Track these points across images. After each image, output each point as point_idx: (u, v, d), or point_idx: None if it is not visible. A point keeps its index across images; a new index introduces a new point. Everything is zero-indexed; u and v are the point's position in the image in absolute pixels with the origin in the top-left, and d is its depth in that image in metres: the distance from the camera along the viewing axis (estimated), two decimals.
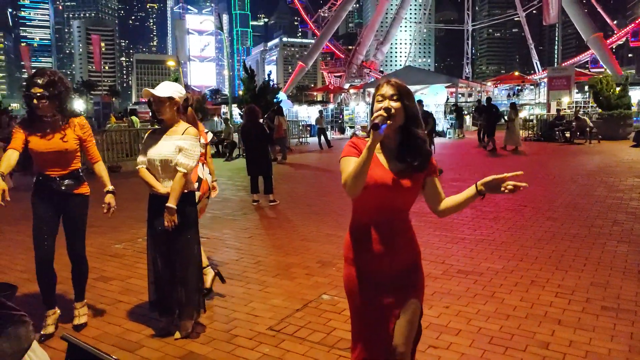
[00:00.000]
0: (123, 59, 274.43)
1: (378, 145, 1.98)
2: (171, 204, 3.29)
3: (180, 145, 3.34)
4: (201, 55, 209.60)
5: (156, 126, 3.55)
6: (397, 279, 2.05)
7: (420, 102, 14.05)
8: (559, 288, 4.21)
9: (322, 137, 20.47)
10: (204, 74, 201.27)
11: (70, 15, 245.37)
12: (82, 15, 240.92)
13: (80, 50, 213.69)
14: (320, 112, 24.25)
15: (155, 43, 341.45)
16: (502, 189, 1.89)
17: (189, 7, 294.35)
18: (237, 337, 3.48)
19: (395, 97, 1.97)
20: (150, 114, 3.57)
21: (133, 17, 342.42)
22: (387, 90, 2.00)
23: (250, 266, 5.09)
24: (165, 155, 3.34)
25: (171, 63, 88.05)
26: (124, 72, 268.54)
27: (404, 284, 2.06)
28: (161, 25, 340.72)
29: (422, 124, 2.07)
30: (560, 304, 3.87)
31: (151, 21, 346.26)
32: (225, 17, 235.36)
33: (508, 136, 17.03)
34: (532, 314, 3.72)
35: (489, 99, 20.15)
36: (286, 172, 13.41)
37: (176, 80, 22.64)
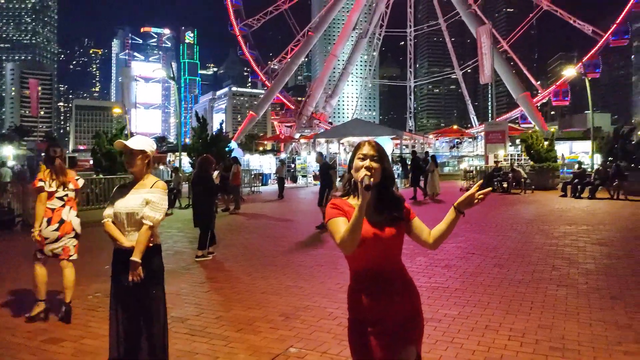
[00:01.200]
0: (61, 104, 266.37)
1: (353, 202, 2.22)
2: (136, 257, 3.23)
3: (148, 198, 3.35)
4: (146, 102, 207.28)
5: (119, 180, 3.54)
6: (398, 326, 2.17)
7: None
8: (511, 331, 4.52)
9: (282, 187, 20.86)
10: (149, 121, 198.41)
11: (3, 58, 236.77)
12: (16, 57, 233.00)
13: (13, 93, 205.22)
14: (282, 161, 24.36)
15: (97, 89, 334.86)
16: (475, 201, 2.20)
17: (135, 54, 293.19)
18: None
19: (375, 158, 2.22)
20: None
21: (74, 62, 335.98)
22: (368, 150, 2.23)
23: (211, 321, 5.00)
24: (132, 208, 3.32)
25: (117, 110, 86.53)
26: (62, 117, 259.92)
27: (404, 331, 2.19)
28: (105, 71, 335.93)
29: (395, 182, 2.34)
30: (513, 347, 4.16)
31: (94, 66, 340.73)
32: (173, 65, 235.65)
33: (429, 185, 18.46)
34: (489, 357, 3.97)
35: (426, 152, 21.42)
36: (241, 222, 13.38)
37: (123, 128, 22.35)
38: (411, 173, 18.84)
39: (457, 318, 4.94)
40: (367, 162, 2.20)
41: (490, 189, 2.23)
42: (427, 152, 30.39)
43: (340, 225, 2.12)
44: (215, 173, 9.18)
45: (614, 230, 10.42)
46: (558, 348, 4.11)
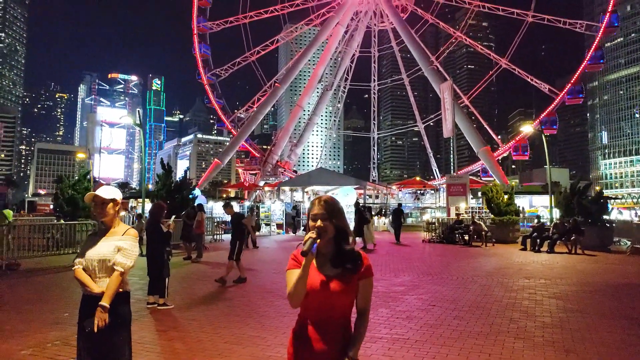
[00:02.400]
0: (23, 147, 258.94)
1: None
2: (105, 302, 3.26)
3: (120, 245, 3.43)
4: (111, 147, 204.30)
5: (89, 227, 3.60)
6: None
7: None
8: None
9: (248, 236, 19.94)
10: (112, 167, 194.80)
11: None
12: None
13: None
14: (251, 209, 24.01)
15: (61, 133, 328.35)
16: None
17: (101, 99, 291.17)
18: None
19: (325, 217, 2.39)
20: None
21: (39, 105, 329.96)
22: (318, 210, 2.42)
23: None
24: (104, 254, 3.38)
25: (81, 155, 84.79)
26: (22, 161, 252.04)
27: None
28: (69, 116, 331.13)
29: (349, 234, 2.47)
30: None
31: (59, 111, 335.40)
32: (139, 111, 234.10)
33: (366, 235, 18.95)
34: None
35: (399, 204, 21.85)
36: (204, 271, 13.16)
37: (87, 174, 21.93)
38: (355, 223, 19.03)
39: None
40: (318, 222, 2.36)
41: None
42: (400, 204, 31.06)
43: (292, 279, 2.31)
44: (172, 219, 8.98)
45: (570, 284, 10.78)
46: None
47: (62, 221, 17.08)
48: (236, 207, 32.59)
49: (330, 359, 2.32)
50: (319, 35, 62.87)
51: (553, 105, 55.13)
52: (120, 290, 3.41)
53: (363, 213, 19.23)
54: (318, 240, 2.31)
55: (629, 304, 8.65)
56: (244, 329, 6.66)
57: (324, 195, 2.57)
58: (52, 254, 14.55)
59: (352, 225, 24.90)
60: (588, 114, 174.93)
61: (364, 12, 61.45)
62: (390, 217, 26.50)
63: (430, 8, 60.98)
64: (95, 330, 3.24)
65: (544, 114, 56.41)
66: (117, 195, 3.58)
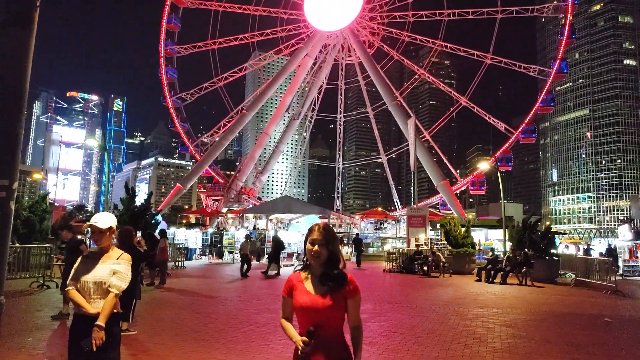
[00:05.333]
0: None
1: (306, 275, 2.78)
2: (101, 322, 3.52)
3: (115, 268, 3.72)
4: (66, 168, 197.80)
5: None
6: None
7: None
8: None
9: (245, 265, 19.31)
10: (68, 188, 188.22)
11: None
12: None
13: None
14: (248, 236, 23.80)
15: None
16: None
17: (58, 117, 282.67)
18: None
19: (322, 242, 2.79)
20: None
21: None
22: (316, 236, 2.81)
23: None
24: (100, 277, 3.65)
25: (37, 175, 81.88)
26: None
27: None
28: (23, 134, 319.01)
29: (339, 259, 2.86)
30: None
31: None
32: (98, 132, 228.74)
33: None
34: None
35: (357, 234, 22.44)
36: (168, 297, 13.14)
37: (45, 195, 21.51)
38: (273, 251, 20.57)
39: None
40: (315, 247, 2.77)
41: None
42: (357, 234, 31.77)
43: (285, 307, 2.80)
44: (138, 235, 8.92)
45: (520, 313, 11.46)
46: None
47: (17, 244, 16.51)
48: (198, 233, 32.30)
49: None
50: (288, 65, 64.02)
51: (508, 143, 57.63)
52: (115, 311, 3.68)
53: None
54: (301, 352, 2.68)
55: (572, 331, 9.34)
56: (213, 353, 6.86)
57: (322, 223, 2.97)
58: (5, 278, 14.15)
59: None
60: (540, 153, 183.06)
61: (332, 45, 63.17)
62: (353, 246, 27.97)
63: (396, 45, 63.24)
64: (94, 349, 3.47)
65: (500, 151, 58.80)
66: (113, 222, 3.88)
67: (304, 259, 2.88)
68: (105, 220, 3.84)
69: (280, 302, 2.79)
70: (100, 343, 3.50)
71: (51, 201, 64.69)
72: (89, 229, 3.82)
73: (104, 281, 3.66)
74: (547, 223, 51.65)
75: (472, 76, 61.64)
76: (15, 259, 15.32)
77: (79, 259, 3.90)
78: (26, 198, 21.13)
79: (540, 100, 55.82)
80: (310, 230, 2.86)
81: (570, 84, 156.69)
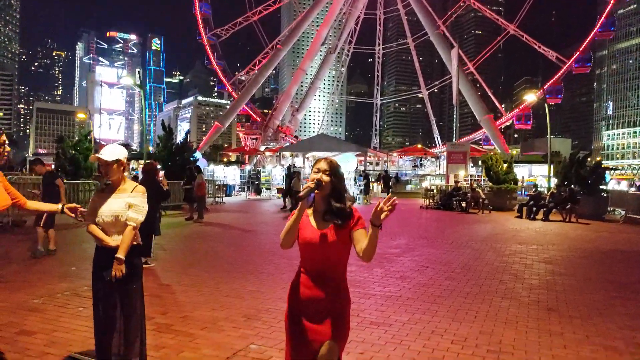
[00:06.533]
0: (21, 106, 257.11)
1: (311, 211, 2.60)
2: (121, 254, 3.53)
3: (131, 202, 3.65)
4: (110, 108, 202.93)
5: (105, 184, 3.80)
6: (321, 322, 2.53)
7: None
8: (454, 336, 4.93)
9: (287, 199, 20.95)
10: (113, 128, 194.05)
11: None
12: None
13: None
14: (297, 174, 24.13)
15: (59, 92, 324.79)
16: (383, 214, 2.39)
17: (100, 58, 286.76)
18: None
19: (327, 173, 2.59)
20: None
21: (36, 64, 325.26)
22: (322, 165, 2.64)
23: (177, 320, 5.27)
24: (117, 211, 3.61)
25: (81, 115, 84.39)
26: (22, 120, 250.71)
27: (327, 328, 2.52)
28: (68, 75, 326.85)
29: (343, 196, 2.64)
30: (455, 349, 4.57)
31: (57, 69, 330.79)
32: (139, 72, 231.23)
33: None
34: (432, 357, 4.36)
35: (385, 171, 22.25)
36: (205, 231, 13.50)
37: (88, 134, 22.04)
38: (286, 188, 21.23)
39: (407, 323, 5.32)
40: (319, 175, 2.57)
41: (395, 198, 2.42)
42: (386, 171, 31.60)
43: (287, 224, 2.61)
44: (161, 174, 9.05)
45: (561, 250, 11.10)
46: (495, 351, 4.54)
47: (64, 181, 17.36)
48: (237, 171, 32.83)
49: (324, 306, 2.54)
50: None
51: (559, 73, 54.48)
52: (134, 243, 3.68)
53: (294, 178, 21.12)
54: (316, 191, 2.53)
55: (616, 269, 8.96)
56: (244, 285, 6.98)
57: (329, 157, 2.78)
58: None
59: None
60: (595, 84, 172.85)
61: None
62: (382, 183, 29.22)
63: None
64: (114, 280, 3.53)
65: (550, 82, 55.79)
66: (121, 155, 3.71)
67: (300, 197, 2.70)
68: (111, 152, 3.69)
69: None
70: (121, 274, 3.54)
71: (97, 140, 67.02)
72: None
73: (120, 215, 3.62)
74: (598, 158, 49.35)
75: (522, 2, 57.59)
76: (65, 194, 16.10)
77: (93, 193, 3.85)
78: (76, 138, 21.77)
79: (599, 25, 51.72)
80: (317, 161, 2.71)
81: (635, 6, 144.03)
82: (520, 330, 5.19)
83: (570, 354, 4.57)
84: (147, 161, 8.64)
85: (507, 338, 4.92)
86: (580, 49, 53.54)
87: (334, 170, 2.62)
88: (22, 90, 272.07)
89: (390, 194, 25.64)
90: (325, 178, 2.58)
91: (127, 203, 3.64)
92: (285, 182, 21.81)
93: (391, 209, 2.40)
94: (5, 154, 3.43)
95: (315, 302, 2.54)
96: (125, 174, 3.87)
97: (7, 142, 3.47)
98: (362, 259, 2.54)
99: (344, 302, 2.63)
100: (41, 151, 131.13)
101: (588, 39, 52.79)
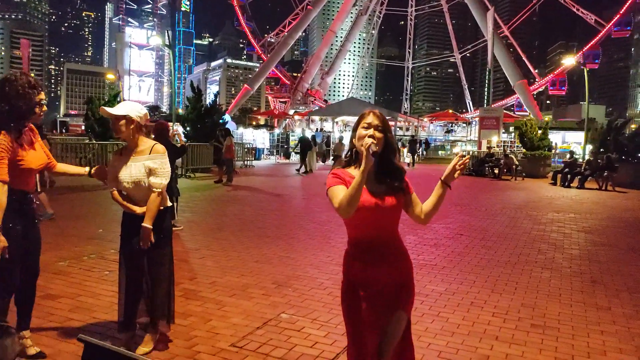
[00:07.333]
0: (52, 67, 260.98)
1: (356, 172, 2.25)
2: (147, 224, 3.33)
3: (150, 166, 3.37)
4: (140, 70, 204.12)
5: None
6: (388, 292, 2.27)
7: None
8: (495, 309, 4.68)
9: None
10: (143, 90, 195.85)
11: None
12: (6, 16, 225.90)
13: (2, 53, 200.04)
14: (340, 139, 24.14)
15: (89, 53, 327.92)
16: (456, 173, 2.32)
17: (129, 19, 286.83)
18: (200, 353, 3.53)
19: (380, 128, 2.26)
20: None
21: (66, 24, 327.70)
22: (372, 120, 2.26)
23: (205, 286, 5.13)
24: (137, 177, 3.35)
25: (110, 76, 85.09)
26: (52, 81, 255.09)
27: (395, 297, 2.28)
28: (97, 36, 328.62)
29: (397, 153, 2.37)
30: (496, 323, 4.32)
31: (86, 30, 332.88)
32: (169, 33, 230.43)
33: (307, 162, 20.83)
34: (473, 331, 4.13)
35: (412, 136, 21.66)
36: (234, 194, 13.46)
37: (117, 95, 22.10)
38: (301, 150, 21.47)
39: (444, 294, 5.10)
40: (370, 131, 2.24)
41: (468, 157, 2.34)
42: (413, 135, 31.04)
43: (339, 192, 2.18)
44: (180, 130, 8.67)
45: (600, 219, 10.63)
46: (539, 325, 4.28)
47: (93, 141, 17.58)
48: (265, 134, 32.63)
49: (389, 275, 2.28)
50: None
51: (598, 37, 51.81)
52: (161, 207, 3.46)
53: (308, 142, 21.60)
54: (377, 148, 2.17)
55: None
56: (274, 250, 6.84)
57: (375, 109, 2.43)
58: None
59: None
60: (633, 49, 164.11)
61: None
62: (408, 147, 28.97)
63: None
64: (144, 247, 3.37)
65: (588, 46, 53.17)
66: (133, 112, 3.34)
67: (348, 154, 2.36)
68: (120, 107, 3.40)
69: (330, 195, 2.25)
70: (148, 244, 3.38)
71: (126, 100, 67.61)
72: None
73: (141, 180, 3.36)
74: (634, 126, 47.32)
75: None
76: (94, 155, 16.36)
77: (111, 157, 3.63)
78: (105, 99, 21.91)
79: None
80: (363, 115, 2.32)
81: None
82: (565, 304, 4.90)
83: (621, 330, 4.28)
84: (158, 121, 8.20)
85: (551, 312, 4.65)
86: (621, 12, 50.62)
87: (386, 125, 2.32)
88: (53, 51, 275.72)
89: (416, 159, 25.34)
90: (378, 134, 2.26)
91: (147, 167, 3.37)
92: (300, 147, 21.69)
93: (463, 167, 2.33)
94: (42, 113, 3.23)
95: (379, 273, 2.27)
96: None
97: (46, 100, 3.27)
98: (422, 222, 2.41)
99: (409, 267, 2.39)
100: (72, 112, 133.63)
101: (629, 2, 49.75)
